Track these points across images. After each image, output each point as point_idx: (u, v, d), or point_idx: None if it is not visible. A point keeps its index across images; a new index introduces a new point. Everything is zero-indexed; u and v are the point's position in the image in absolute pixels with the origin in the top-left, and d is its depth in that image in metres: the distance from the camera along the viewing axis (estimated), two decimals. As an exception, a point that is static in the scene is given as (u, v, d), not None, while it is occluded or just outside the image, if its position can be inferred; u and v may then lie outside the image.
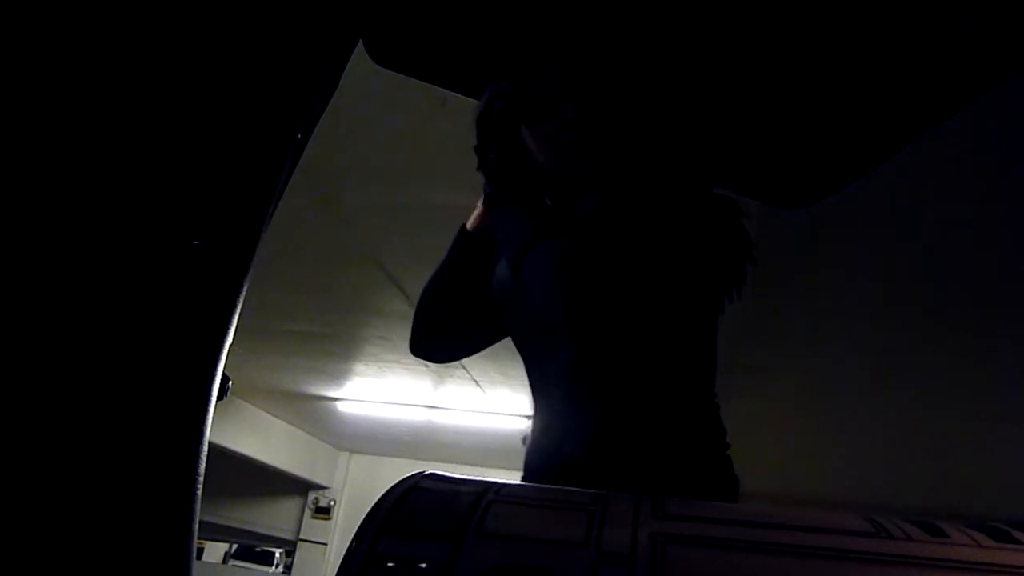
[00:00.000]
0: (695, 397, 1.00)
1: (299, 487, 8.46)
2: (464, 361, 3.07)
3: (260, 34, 0.79)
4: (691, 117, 1.27)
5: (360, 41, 1.06)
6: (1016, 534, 0.66)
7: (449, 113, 2.18)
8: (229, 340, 0.74)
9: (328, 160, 2.60)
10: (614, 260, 0.91)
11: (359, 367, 5.35)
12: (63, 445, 0.65)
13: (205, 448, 0.72)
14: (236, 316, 0.75)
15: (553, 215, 1.02)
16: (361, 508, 0.96)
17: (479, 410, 5.99)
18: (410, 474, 0.76)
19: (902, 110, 1.20)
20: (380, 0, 1.08)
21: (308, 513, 8.61)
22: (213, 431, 0.74)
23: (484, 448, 6.99)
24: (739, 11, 1.05)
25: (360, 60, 1.04)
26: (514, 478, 0.91)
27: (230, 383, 0.77)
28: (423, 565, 0.62)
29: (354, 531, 0.66)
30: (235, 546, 11.14)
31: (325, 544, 8.39)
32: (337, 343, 4.88)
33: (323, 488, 8.56)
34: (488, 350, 1.28)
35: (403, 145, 2.56)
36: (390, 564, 0.63)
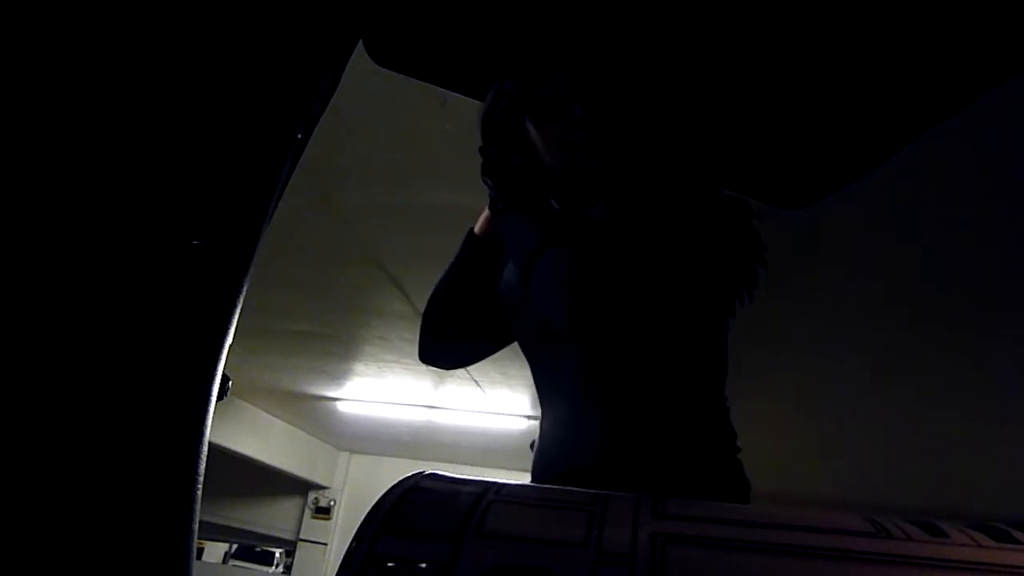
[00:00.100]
0: (705, 401, 0.99)
1: (299, 487, 8.46)
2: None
3: (260, 34, 0.79)
4: (697, 116, 1.27)
5: (360, 41, 1.05)
6: (1016, 534, 0.66)
7: (449, 113, 2.18)
8: (229, 340, 0.74)
9: (328, 160, 2.60)
10: (627, 270, 0.89)
11: (359, 367, 5.35)
12: (63, 445, 0.65)
13: (205, 448, 0.71)
14: (236, 316, 0.75)
15: (561, 220, 0.99)
16: (361, 508, 0.96)
17: (479, 410, 5.98)
18: (410, 474, 0.76)
19: (902, 110, 1.20)
20: (380, 0, 1.08)
21: (308, 513, 8.61)
22: (213, 431, 0.73)
23: (484, 448, 7.00)
24: (741, 10, 1.05)
25: (360, 60, 1.04)
26: (514, 478, 0.91)
27: (230, 383, 0.77)
28: (423, 565, 0.62)
29: (354, 531, 0.66)
30: (235, 546, 11.16)
31: (325, 544, 8.39)
32: (337, 343, 4.87)
33: (323, 488, 8.56)
34: (489, 351, 1.28)
35: (403, 145, 2.56)
36: (390, 564, 0.63)
